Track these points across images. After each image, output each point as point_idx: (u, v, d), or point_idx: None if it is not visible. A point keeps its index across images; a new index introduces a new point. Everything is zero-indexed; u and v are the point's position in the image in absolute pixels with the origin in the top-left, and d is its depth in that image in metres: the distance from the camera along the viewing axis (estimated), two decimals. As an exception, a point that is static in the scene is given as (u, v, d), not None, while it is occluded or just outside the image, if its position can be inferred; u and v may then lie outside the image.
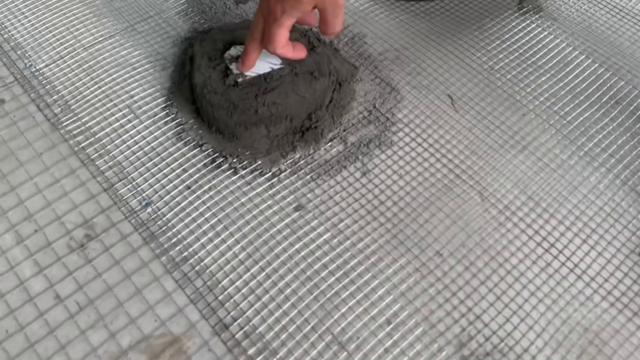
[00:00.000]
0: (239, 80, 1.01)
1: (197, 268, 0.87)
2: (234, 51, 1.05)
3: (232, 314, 0.83)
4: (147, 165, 0.98)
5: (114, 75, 1.10)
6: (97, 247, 0.88)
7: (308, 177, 0.99)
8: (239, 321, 0.82)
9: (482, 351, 0.82)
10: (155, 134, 1.02)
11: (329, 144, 1.03)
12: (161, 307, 0.83)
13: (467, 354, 0.81)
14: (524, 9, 1.30)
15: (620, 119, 1.10)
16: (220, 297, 0.84)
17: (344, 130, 1.06)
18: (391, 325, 0.83)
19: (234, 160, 1.00)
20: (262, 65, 1.02)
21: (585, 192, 1.00)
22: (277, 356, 0.79)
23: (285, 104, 1.00)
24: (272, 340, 0.80)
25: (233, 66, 1.02)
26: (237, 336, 0.81)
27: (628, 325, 0.85)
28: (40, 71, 1.10)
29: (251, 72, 1.01)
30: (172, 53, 1.15)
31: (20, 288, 0.84)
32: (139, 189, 0.95)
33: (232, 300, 0.84)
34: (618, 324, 0.85)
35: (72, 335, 0.80)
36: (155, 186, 0.96)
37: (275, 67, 1.03)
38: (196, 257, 0.88)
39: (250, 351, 0.79)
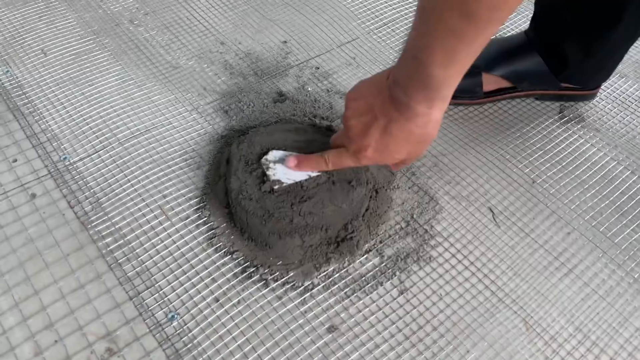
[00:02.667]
0: (276, 187, 0.98)
1: (222, 394, 0.81)
2: (271, 156, 1.03)
3: None
4: (175, 272, 0.94)
5: (148, 173, 1.08)
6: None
7: (342, 293, 0.94)
8: None
9: None
10: (186, 238, 0.99)
11: (365, 256, 0.99)
12: None
13: None
14: (566, 118, 1.27)
15: (671, 243, 1.05)
16: None
17: (381, 242, 1.01)
18: None
19: (265, 270, 0.96)
20: (299, 172, 1.00)
21: (638, 324, 0.94)
22: None
23: (322, 213, 0.97)
24: None
25: (270, 172, 1.00)
26: None
27: None
28: (74, 165, 1.09)
29: (288, 180, 0.99)
30: (208, 151, 1.13)
31: (33, 408, 0.79)
32: (165, 299, 0.91)
33: None
34: None
35: None
36: (183, 297, 0.91)
37: (313, 174, 1.00)
38: (222, 382, 0.82)
39: None
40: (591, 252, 1.03)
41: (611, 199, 1.12)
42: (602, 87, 1.34)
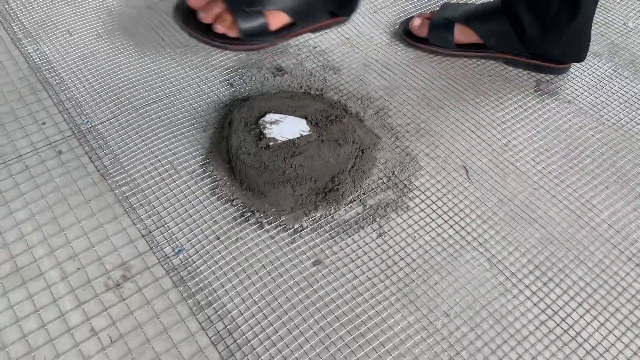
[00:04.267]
0: (271, 144, 1.11)
1: (219, 312, 0.94)
2: (268, 118, 1.16)
3: (248, 357, 0.89)
4: (182, 215, 1.08)
5: (160, 135, 1.22)
6: (132, 287, 0.97)
7: (327, 234, 1.07)
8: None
9: (482, 410, 0.86)
10: (192, 188, 1.13)
11: (349, 205, 1.12)
12: (184, 346, 0.90)
13: (467, 411, 0.85)
14: (541, 91, 1.39)
15: (625, 194, 1.16)
16: (238, 341, 0.91)
17: (364, 194, 1.14)
18: (396, 378, 0.88)
19: (261, 215, 1.09)
20: (292, 131, 1.13)
21: (591, 265, 1.05)
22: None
23: (311, 166, 1.10)
24: (283, 383, 0.86)
25: (266, 131, 1.13)
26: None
27: (627, 395, 0.88)
28: (95, 127, 1.23)
29: (282, 138, 1.12)
30: (214, 117, 1.27)
31: (60, 320, 0.92)
32: (173, 237, 1.05)
33: (249, 344, 0.91)
34: (617, 393, 0.88)
35: (102, 365, 0.87)
36: (188, 235, 1.05)
37: (304, 133, 1.14)
38: (219, 302, 0.96)
39: (262, 392, 0.85)
40: (555, 205, 1.15)
41: (576, 160, 1.24)
42: (577, 65, 1.46)
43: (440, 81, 1.41)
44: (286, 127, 1.15)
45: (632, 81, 1.44)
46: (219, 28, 1.23)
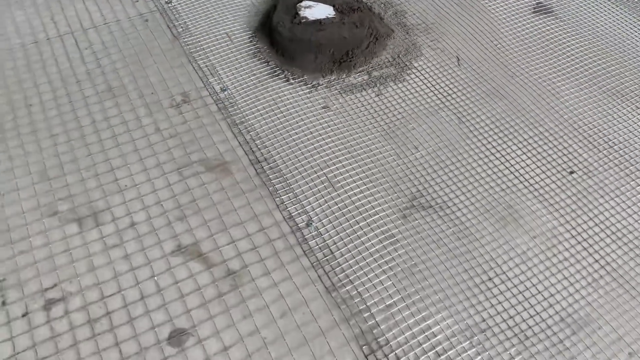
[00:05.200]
0: (303, 21, 1.45)
1: (251, 133, 1.29)
2: (304, 3, 1.49)
3: (266, 160, 1.24)
4: (230, 67, 1.44)
5: (220, 14, 1.58)
6: (188, 108, 1.34)
7: (337, 91, 1.40)
8: (269, 164, 1.24)
9: (427, 204, 1.17)
10: (240, 51, 1.48)
11: (358, 73, 1.44)
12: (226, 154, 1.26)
13: (416, 204, 1.17)
14: (538, 9, 1.65)
15: (592, 92, 1.42)
16: (262, 151, 1.26)
17: (371, 68, 1.46)
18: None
19: (288, 73, 1.43)
20: (321, 14, 1.46)
21: (542, 130, 1.33)
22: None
23: (331, 41, 1.42)
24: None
25: (300, 12, 1.47)
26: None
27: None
28: (174, 5, 1.60)
29: (312, 17, 1.45)
30: (264, 2, 1.61)
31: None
32: (221, 80, 1.40)
33: (270, 155, 1.26)
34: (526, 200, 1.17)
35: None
36: (232, 79, 1.40)
37: (330, 16, 1.46)
38: (252, 126, 1.31)
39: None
40: (526, 90, 1.42)
41: (555, 62, 1.50)
42: (577, -9, 1.69)
43: (453, -6, 1.69)
44: (317, 11, 1.48)
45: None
46: None
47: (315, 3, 1.51)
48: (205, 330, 0.99)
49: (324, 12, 1.48)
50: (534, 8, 1.66)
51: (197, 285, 1.04)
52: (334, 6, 1.51)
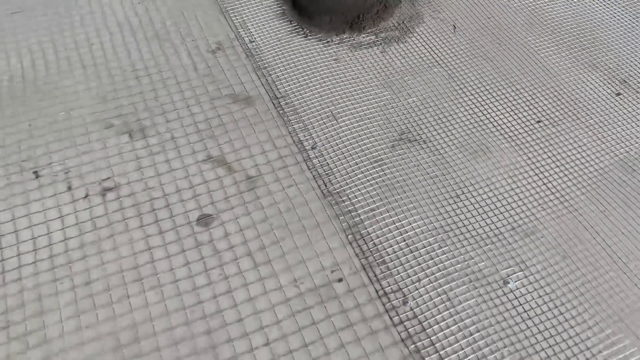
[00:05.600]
0: (321, -13, 1.70)
1: (272, 76, 1.56)
2: (324, -28, 1.75)
3: (286, 100, 1.50)
4: (259, 24, 1.70)
5: (253, -20, 1.85)
6: (222, 55, 1.61)
7: (347, 47, 1.65)
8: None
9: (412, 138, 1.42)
10: (267, 10, 1.74)
11: (366, 34, 1.69)
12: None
13: (404, 138, 1.42)
14: (531, -10, 1.87)
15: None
16: (283, 97, 1.52)
17: (378, 30, 1.71)
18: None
19: (307, 31, 1.69)
20: (337, -18, 1.71)
21: (519, 88, 1.56)
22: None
23: (345, 6, 1.68)
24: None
25: (321, -20, 1.72)
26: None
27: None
28: (214, -27, 1.87)
29: (330, -15, 1.71)
30: (290, -24, 1.87)
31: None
32: (249, 33, 1.67)
33: (290, 100, 1.52)
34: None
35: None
36: (260, 32, 1.67)
37: (344, -15, 1.72)
38: (277, 76, 1.57)
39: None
40: (512, 55, 1.65)
41: (539, 33, 1.73)
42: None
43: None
44: (333, -20, 1.73)
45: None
46: None
47: (337, -27, 1.76)
48: (226, 216, 1.25)
49: (341, -19, 1.73)
50: (528, -12, 1.88)
51: (221, 185, 1.31)
52: (350, -23, 1.76)
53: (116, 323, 1.10)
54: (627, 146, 1.44)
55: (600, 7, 1.83)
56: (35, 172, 1.30)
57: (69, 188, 1.28)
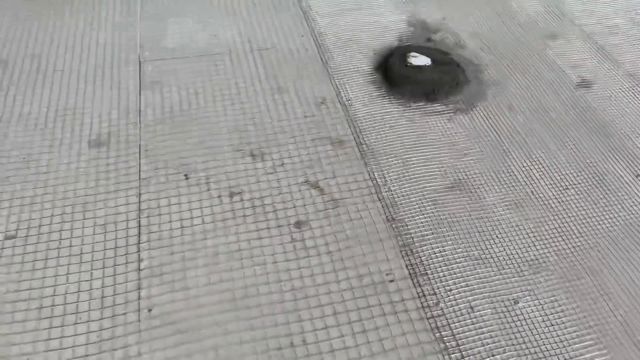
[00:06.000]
0: (408, 65, 2.20)
1: (360, 127, 2.04)
2: (412, 54, 2.25)
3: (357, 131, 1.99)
4: (355, 88, 2.20)
5: (354, 54, 2.37)
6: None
7: (421, 112, 2.12)
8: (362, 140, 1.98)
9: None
10: (362, 80, 2.25)
11: (438, 104, 2.16)
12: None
13: (452, 181, 1.86)
14: (579, 84, 2.28)
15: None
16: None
17: (448, 102, 2.17)
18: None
19: (392, 96, 2.18)
20: (422, 62, 2.21)
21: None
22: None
23: (424, 80, 2.16)
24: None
25: (409, 60, 2.22)
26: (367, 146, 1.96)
27: (535, 203, 1.81)
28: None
29: (415, 63, 2.20)
30: (383, 49, 2.38)
31: (293, 108, 2.11)
32: (361, 98, 2.17)
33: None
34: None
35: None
36: (356, 95, 2.17)
37: (427, 64, 2.20)
38: (361, 124, 2.06)
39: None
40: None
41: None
42: None
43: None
44: (419, 60, 2.22)
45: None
46: None
47: (419, 55, 2.25)
48: (314, 224, 1.72)
49: (424, 61, 2.23)
50: (576, 84, 2.29)
51: (313, 201, 1.78)
52: (432, 59, 2.25)
53: (233, 283, 1.58)
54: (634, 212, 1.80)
55: None
56: (185, 175, 1.84)
57: (208, 189, 1.80)
